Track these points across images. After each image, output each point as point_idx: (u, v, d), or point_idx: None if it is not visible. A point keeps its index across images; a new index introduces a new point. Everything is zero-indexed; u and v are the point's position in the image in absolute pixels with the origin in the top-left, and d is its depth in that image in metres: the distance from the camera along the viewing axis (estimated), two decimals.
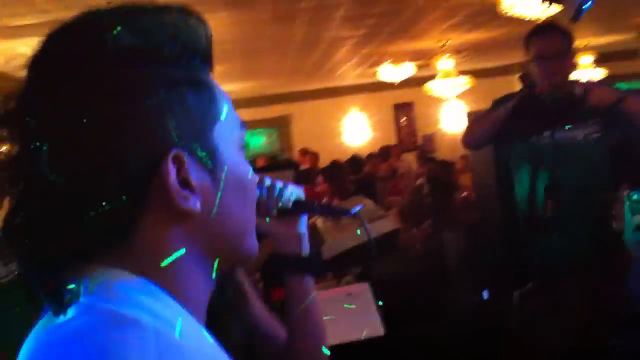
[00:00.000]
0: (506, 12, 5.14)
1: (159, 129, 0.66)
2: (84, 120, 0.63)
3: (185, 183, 0.68)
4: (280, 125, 11.41)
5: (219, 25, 5.45)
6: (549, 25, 3.06)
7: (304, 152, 9.97)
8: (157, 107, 0.66)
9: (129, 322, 0.59)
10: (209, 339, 0.68)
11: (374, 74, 9.17)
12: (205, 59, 0.73)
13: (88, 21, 0.68)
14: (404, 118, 11.64)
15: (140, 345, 0.57)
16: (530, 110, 2.86)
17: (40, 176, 0.64)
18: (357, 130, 11.41)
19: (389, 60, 8.59)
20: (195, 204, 0.68)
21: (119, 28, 0.65)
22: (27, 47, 0.70)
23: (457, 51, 8.34)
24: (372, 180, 7.63)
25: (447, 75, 8.45)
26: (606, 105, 2.75)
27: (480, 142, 3.17)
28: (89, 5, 0.70)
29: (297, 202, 1.18)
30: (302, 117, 11.04)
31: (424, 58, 8.47)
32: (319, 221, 3.59)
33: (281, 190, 1.17)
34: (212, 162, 0.71)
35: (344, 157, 8.09)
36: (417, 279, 3.29)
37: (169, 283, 0.68)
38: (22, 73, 0.68)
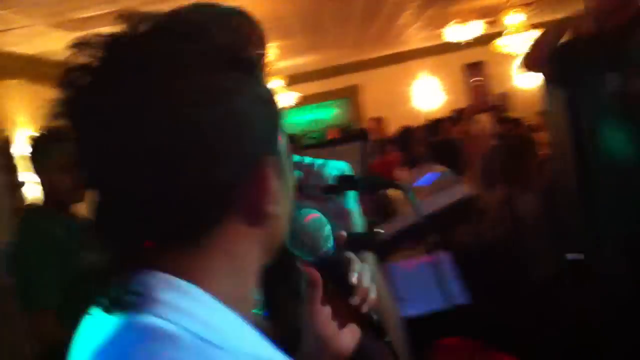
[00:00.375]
0: None
1: (248, 134, 0.67)
2: (177, 121, 0.63)
3: (268, 188, 0.70)
4: (350, 96, 11.35)
5: (279, 2, 5.44)
6: None
7: (374, 120, 9.90)
8: (246, 113, 0.66)
9: (168, 338, 0.60)
10: (260, 339, 0.68)
11: (441, 36, 8.95)
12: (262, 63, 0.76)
13: (176, 21, 0.68)
14: (476, 78, 11.36)
15: None
16: (599, 54, 2.74)
17: (132, 176, 0.64)
18: (428, 94, 11.22)
19: (455, 20, 8.36)
20: (273, 209, 0.71)
21: (208, 31, 0.66)
22: None
23: (526, 4, 8.03)
24: (450, 144, 7.46)
25: (517, 30, 8.13)
26: None
27: (540, 61, 3.07)
28: None
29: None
30: (371, 86, 10.93)
31: (492, 14, 8.19)
32: (392, 191, 3.55)
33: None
34: (282, 167, 0.74)
35: (416, 123, 7.98)
36: (496, 244, 3.22)
37: (228, 284, 0.69)
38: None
